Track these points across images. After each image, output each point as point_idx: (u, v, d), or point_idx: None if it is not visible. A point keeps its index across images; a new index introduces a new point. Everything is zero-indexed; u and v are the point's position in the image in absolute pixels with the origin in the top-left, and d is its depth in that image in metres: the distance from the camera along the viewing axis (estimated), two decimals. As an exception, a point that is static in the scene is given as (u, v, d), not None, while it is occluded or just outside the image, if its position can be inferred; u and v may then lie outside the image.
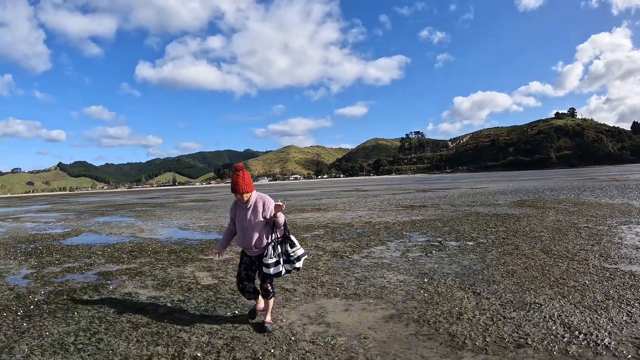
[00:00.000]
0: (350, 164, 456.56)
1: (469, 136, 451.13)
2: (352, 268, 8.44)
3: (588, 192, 26.68)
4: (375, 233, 13.03)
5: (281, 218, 4.97)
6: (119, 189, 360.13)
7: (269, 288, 5.11)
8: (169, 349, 4.75)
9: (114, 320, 5.88)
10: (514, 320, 5.03)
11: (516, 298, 5.89)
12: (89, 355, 4.71)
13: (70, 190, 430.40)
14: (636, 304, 5.44)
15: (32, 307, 6.76)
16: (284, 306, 6.08)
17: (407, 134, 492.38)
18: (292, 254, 5.03)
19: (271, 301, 5.28)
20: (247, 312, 5.77)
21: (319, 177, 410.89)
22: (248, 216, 5.05)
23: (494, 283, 6.74)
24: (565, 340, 4.44)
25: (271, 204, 5.05)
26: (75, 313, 6.32)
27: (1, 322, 6.01)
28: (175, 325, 5.51)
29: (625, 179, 44.47)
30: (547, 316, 5.13)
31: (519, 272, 7.37)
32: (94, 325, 5.72)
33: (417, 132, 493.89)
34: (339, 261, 9.18)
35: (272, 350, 4.51)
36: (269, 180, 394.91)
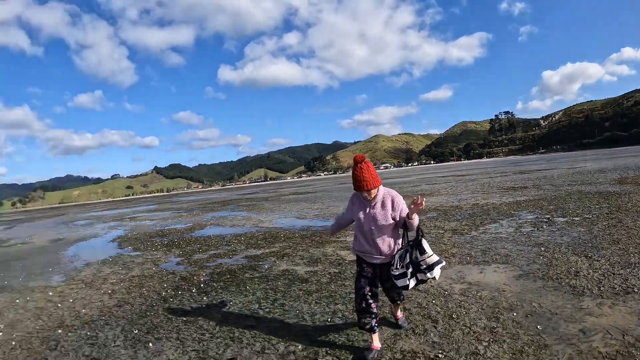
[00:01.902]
0: (440, 149, 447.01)
1: (561, 113, 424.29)
2: (474, 242, 9.33)
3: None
4: (485, 213, 13.54)
5: (416, 220, 4.03)
6: (213, 188, 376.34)
7: (396, 297, 4.69)
8: (347, 306, 5.73)
9: (286, 290, 6.87)
10: (621, 276, 5.93)
11: (622, 260, 6.71)
12: (279, 315, 5.68)
13: (167, 191, 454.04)
14: None
15: (201, 285, 7.81)
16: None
17: (496, 115, 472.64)
18: (421, 263, 4.07)
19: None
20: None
21: (409, 164, 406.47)
22: (374, 217, 4.14)
23: (602, 249, 7.51)
24: None
25: (401, 201, 4.20)
26: (247, 287, 7.33)
27: (182, 299, 7.08)
28: (343, 290, 6.56)
29: None
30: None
31: (624, 240, 8.02)
32: (270, 294, 6.73)
33: (506, 112, 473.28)
34: (460, 237, 10.06)
35: (434, 301, 5.64)
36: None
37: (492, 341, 4.26)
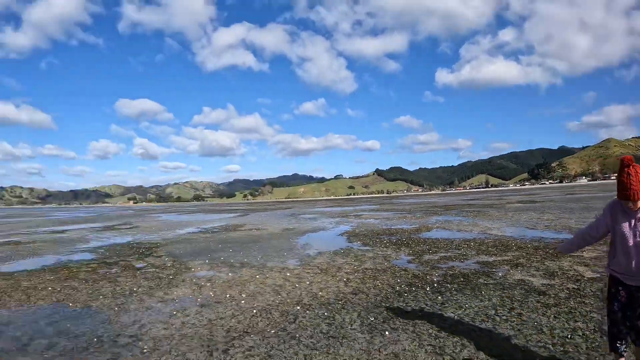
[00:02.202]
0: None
1: None
2: None
3: None
4: None
5: None
6: (433, 192, 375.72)
7: None
8: (587, 324, 5.36)
9: (523, 300, 6.64)
10: None
11: None
12: (515, 324, 5.53)
13: (387, 193, 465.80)
14: None
15: (435, 285, 7.94)
16: None
17: None
18: None
19: None
20: None
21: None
22: None
23: None
24: None
25: None
26: (482, 292, 7.26)
27: (416, 295, 7.31)
28: (583, 307, 6.11)
29: None
30: None
31: None
32: (507, 302, 6.57)
33: None
34: None
35: None
36: (588, 181, 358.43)
37: None
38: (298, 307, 6.76)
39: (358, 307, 6.62)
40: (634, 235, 3.48)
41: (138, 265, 11.70)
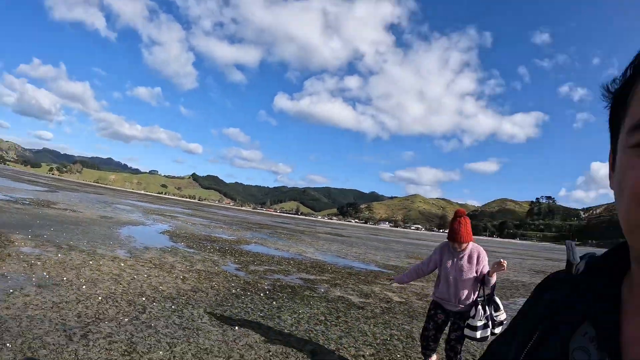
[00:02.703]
0: (474, 222, 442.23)
1: (603, 207, 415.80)
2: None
3: None
4: (515, 288, 14.24)
5: (494, 278, 4.48)
6: (243, 208, 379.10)
7: (459, 349, 4.69)
8: (402, 332, 6.78)
9: (346, 311, 7.87)
10: None
11: None
12: (342, 330, 6.58)
13: (199, 200, 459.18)
14: None
15: (267, 292, 8.73)
16: None
17: (537, 198, 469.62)
18: (495, 318, 4.47)
19: None
20: None
21: (441, 230, 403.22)
22: (461, 267, 4.53)
23: None
24: None
25: (486, 258, 4.60)
26: (311, 302, 8.28)
27: (253, 298, 8.00)
28: (396, 320, 7.58)
29: None
30: None
31: None
32: (333, 311, 7.72)
33: (548, 197, 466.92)
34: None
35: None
36: (390, 226, 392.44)
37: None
38: (143, 298, 6.91)
39: (202, 304, 7.05)
40: (455, 270, 4.52)
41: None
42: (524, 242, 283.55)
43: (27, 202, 22.45)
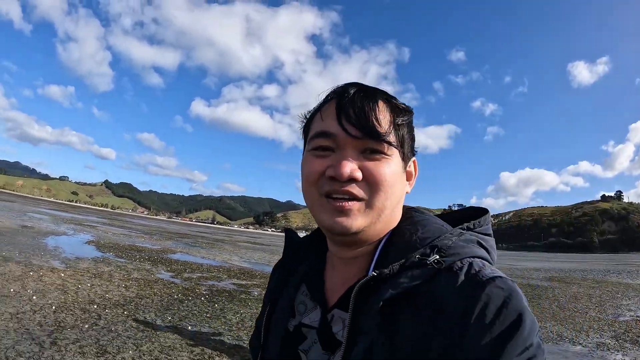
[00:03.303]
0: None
1: (512, 214, 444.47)
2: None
3: (615, 274, 29.61)
4: None
5: None
6: (158, 217, 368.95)
7: None
8: None
9: None
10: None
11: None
12: None
13: (112, 209, 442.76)
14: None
15: (207, 296, 9.46)
16: None
17: (449, 205, 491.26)
18: None
19: None
20: None
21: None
22: None
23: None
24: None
25: None
26: (249, 303, 9.13)
27: (196, 302, 8.73)
28: None
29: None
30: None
31: (537, 315, 10.20)
32: None
33: (459, 205, 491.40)
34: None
35: None
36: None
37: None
38: (95, 306, 7.29)
39: (151, 309, 7.65)
40: None
41: None
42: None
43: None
